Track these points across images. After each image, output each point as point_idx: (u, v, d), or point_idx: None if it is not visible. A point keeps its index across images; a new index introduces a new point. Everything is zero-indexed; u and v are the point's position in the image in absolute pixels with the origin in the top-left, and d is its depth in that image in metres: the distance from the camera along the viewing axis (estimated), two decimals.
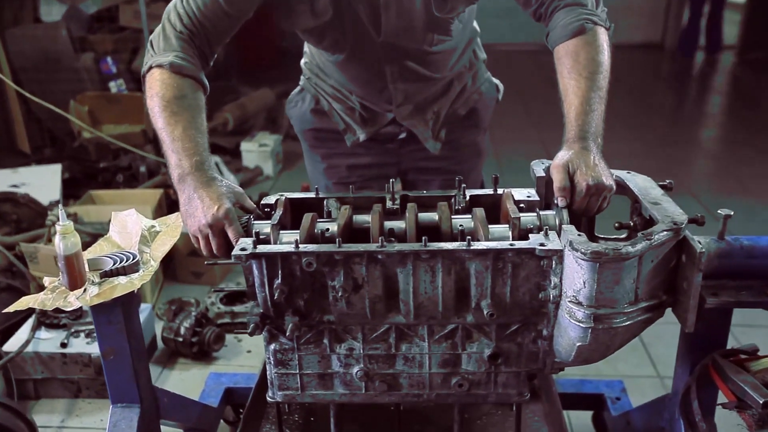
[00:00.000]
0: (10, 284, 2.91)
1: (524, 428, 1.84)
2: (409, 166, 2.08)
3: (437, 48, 1.79)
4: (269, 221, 1.44)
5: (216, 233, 1.42)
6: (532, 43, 8.26)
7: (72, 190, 4.14)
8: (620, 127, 5.81)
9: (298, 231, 1.40)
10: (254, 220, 1.47)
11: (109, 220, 1.74)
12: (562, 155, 1.45)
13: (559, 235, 1.38)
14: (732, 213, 1.38)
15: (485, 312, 1.36)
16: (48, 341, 2.59)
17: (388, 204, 1.56)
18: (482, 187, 2.24)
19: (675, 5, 9.17)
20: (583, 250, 1.23)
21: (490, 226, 1.39)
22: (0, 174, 4.04)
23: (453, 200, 1.58)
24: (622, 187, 1.55)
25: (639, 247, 1.24)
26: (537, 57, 8.14)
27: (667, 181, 1.52)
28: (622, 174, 1.56)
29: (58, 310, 2.07)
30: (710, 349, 1.44)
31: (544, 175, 1.55)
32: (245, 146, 5.05)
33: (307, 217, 1.45)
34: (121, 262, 1.57)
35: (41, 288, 1.54)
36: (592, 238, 1.60)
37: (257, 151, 5.02)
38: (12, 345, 2.57)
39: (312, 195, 1.61)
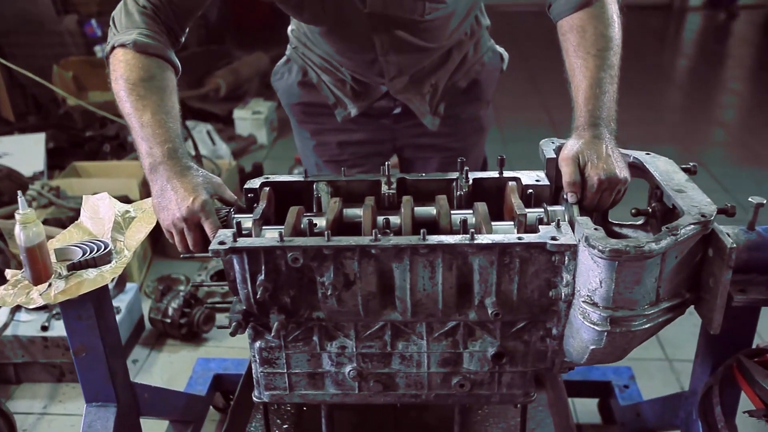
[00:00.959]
0: None
1: (527, 418, 1.74)
2: (405, 143, 1.93)
3: (431, 16, 1.61)
4: (251, 215, 1.30)
5: (191, 227, 1.29)
6: (535, 4, 7.98)
7: (57, 160, 3.98)
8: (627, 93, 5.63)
9: (283, 228, 1.26)
10: (235, 213, 1.33)
11: (94, 194, 1.61)
12: (572, 145, 1.31)
13: (572, 226, 1.25)
14: (765, 201, 1.24)
15: (490, 311, 1.24)
16: (28, 324, 2.47)
17: (384, 189, 1.43)
18: (485, 164, 2.09)
19: None
20: (600, 248, 1.10)
21: (493, 223, 1.26)
22: None
23: (455, 184, 1.44)
24: (640, 170, 1.41)
25: (663, 243, 1.10)
26: (541, 19, 7.87)
27: (691, 164, 1.38)
28: (641, 155, 1.42)
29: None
30: (734, 349, 1.33)
31: (554, 156, 1.41)
32: (238, 113, 4.87)
33: (292, 212, 1.31)
34: (91, 252, 1.44)
35: (21, 266, 1.40)
36: (606, 225, 1.47)
37: (251, 118, 4.85)
38: None
39: (300, 178, 1.48)
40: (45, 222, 2.97)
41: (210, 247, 1.22)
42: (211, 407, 2.23)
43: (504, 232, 1.25)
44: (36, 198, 3.01)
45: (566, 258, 1.19)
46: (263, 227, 1.29)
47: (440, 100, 1.83)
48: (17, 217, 1.33)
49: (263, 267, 1.24)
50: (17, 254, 2.82)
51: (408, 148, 1.95)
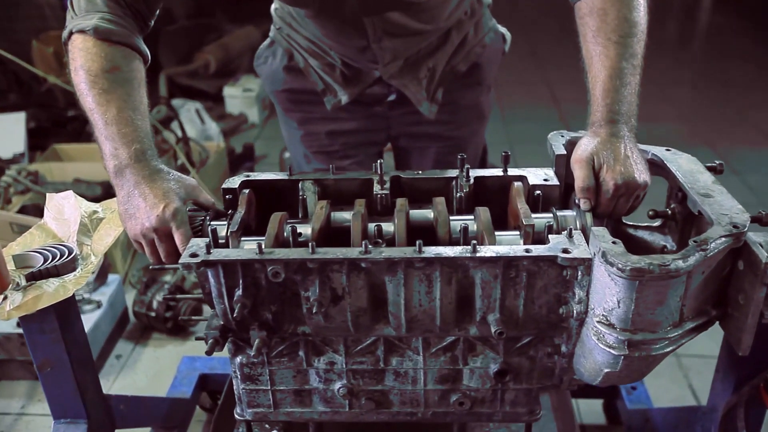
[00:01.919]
0: None
1: None
2: (400, 131, 1.78)
3: None
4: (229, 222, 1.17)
5: (162, 238, 1.16)
6: None
7: (38, 141, 3.81)
8: None
9: (263, 238, 1.13)
10: (212, 219, 1.20)
11: (75, 180, 1.47)
12: (586, 144, 1.17)
13: (584, 233, 1.12)
14: None
15: (493, 329, 1.11)
16: (4, 321, 2.34)
17: (376, 189, 1.29)
18: (485, 153, 1.95)
19: None
20: (620, 266, 0.97)
21: (497, 233, 1.12)
22: None
23: (454, 184, 1.30)
24: (660, 168, 1.27)
25: (692, 260, 0.97)
26: None
27: (716, 162, 1.24)
28: (661, 152, 1.28)
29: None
30: (760, 368, 1.21)
31: (564, 153, 1.28)
32: (228, 91, 4.71)
33: (274, 220, 1.17)
34: (54, 259, 1.32)
35: None
36: (619, 226, 1.34)
37: (241, 96, 4.68)
38: None
39: (284, 176, 1.34)
40: (23, 209, 2.83)
41: (180, 261, 1.09)
42: (197, 407, 2.12)
43: (509, 243, 1.12)
44: (12, 184, 2.86)
45: (579, 273, 1.06)
46: (242, 238, 1.15)
47: (438, 85, 1.68)
48: None
49: (241, 281, 1.11)
50: None
51: (403, 138, 1.80)
